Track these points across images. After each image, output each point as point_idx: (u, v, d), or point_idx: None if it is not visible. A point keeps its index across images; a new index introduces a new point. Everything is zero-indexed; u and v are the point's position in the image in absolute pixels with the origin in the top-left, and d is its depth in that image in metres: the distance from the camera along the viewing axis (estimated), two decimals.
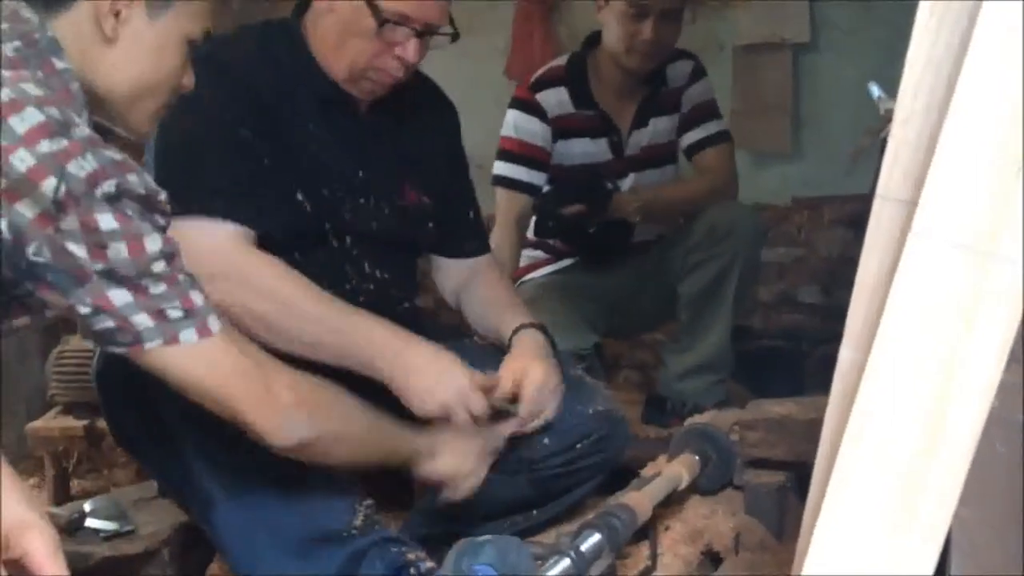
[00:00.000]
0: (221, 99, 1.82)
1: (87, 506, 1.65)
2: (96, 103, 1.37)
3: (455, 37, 1.96)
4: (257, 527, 1.68)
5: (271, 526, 1.68)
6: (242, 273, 1.75)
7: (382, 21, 1.85)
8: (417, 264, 2.21)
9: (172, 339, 1.30)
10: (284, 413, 1.45)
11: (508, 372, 1.94)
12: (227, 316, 1.51)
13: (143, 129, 1.49)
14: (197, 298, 1.34)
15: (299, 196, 1.90)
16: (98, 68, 1.36)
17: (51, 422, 3.08)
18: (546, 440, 2.01)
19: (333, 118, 1.97)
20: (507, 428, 1.92)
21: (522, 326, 2.05)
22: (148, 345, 1.29)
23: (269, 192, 1.84)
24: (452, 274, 2.22)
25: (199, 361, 1.35)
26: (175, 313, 1.30)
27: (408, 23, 1.87)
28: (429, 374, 1.79)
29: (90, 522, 1.62)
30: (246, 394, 1.41)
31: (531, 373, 1.93)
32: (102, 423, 3.01)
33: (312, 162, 1.92)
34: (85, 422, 3.02)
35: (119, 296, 1.25)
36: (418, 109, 2.10)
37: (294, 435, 1.48)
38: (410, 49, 1.89)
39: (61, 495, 3.03)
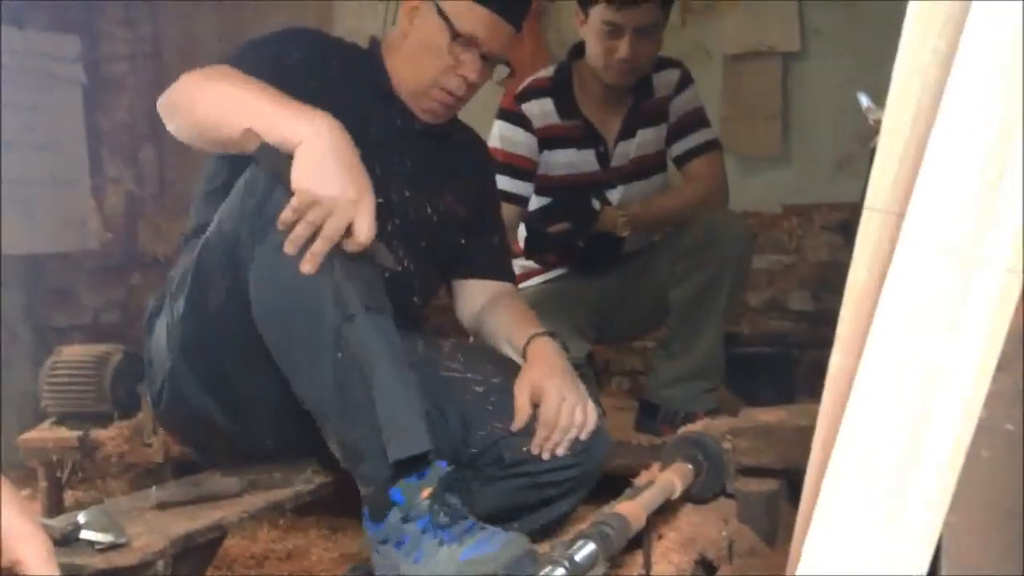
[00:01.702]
0: (289, 41, 2.07)
1: (81, 518, 1.64)
2: None
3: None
4: None
5: None
6: (202, 73, 1.88)
7: (454, 35, 2.06)
8: (440, 275, 2.28)
9: None
10: None
11: (523, 391, 2.01)
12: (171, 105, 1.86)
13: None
14: None
15: None
16: None
17: (44, 433, 3.07)
18: (524, 448, 2.02)
19: (389, 117, 2.15)
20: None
21: (535, 335, 2.10)
22: None
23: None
24: (472, 298, 2.29)
25: None
26: None
27: (475, 44, 2.08)
28: (333, 162, 1.70)
29: (84, 534, 1.61)
30: None
31: (547, 393, 1.99)
32: (95, 433, 3.03)
33: (363, 143, 1.94)
34: (79, 433, 3.02)
35: None
36: (459, 144, 2.29)
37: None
38: (473, 68, 2.09)
39: (54, 506, 3.03)
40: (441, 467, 1.74)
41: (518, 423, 2.00)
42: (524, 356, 2.09)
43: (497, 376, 2.10)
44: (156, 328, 2.03)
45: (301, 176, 1.67)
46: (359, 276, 1.72)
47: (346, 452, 1.77)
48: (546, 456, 2.00)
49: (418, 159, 2.17)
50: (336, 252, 1.68)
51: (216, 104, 1.80)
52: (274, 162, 1.72)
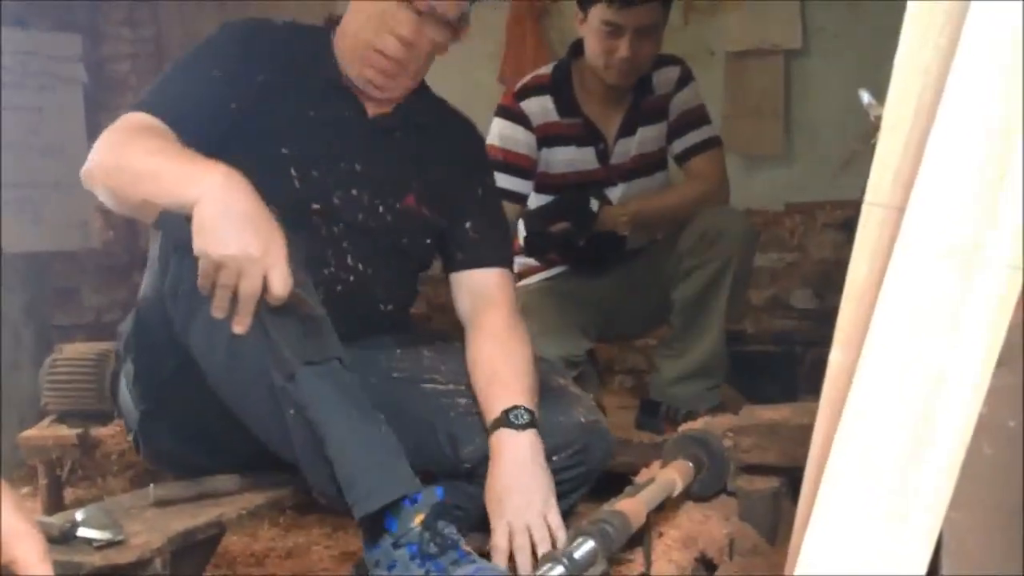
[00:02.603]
0: (226, 42, 1.99)
1: (79, 515, 1.64)
2: None
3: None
4: None
5: None
6: (108, 137, 1.83)
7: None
8: (415, 274, 2.19)
9: None
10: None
11: (497, 526, 1.82)
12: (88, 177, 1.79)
13: None
14: None
15: (292, 172, 1.95)
16: None
17: (44, 431, 3.07)
18: None
19: (337, 109, 2.03)
20: None
21: (496, 423, 1.89)
22: None
23: (213, 117, 1.89)
24: (461, 291, 2.13)
25: None
26: None
27: (408, 1, 1.93)
28: (237, 219, 1.60)
29: (82, 531, 1.61)
30: None
31: (514, 524, 1.81)
32: (95, 431, 3.03)
33: (304, 143, 1.96)
34: (78, 431, 3.02)
35: None
36: (435, 129, 2.13)
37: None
38: (407, 26, 1.94)
39: (54, 504, 3.02)
40: (436, 493, 1.69)
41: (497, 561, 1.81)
42: (489, 444, 1.90)
43: None
44: (123, 372, 2.00)
45: (200, 240, 1.57)
46: (293, 331, 1.65)
47: (325, 496, 1.75)
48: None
49: (371, 155, 2.04)
50: (264, 311, 1.60)
51: (120, 173, 1.74)
52: (176, 229, 1.63)
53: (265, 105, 1.95)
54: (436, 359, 2.09)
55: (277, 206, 1.70)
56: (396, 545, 1.66)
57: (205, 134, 1.84)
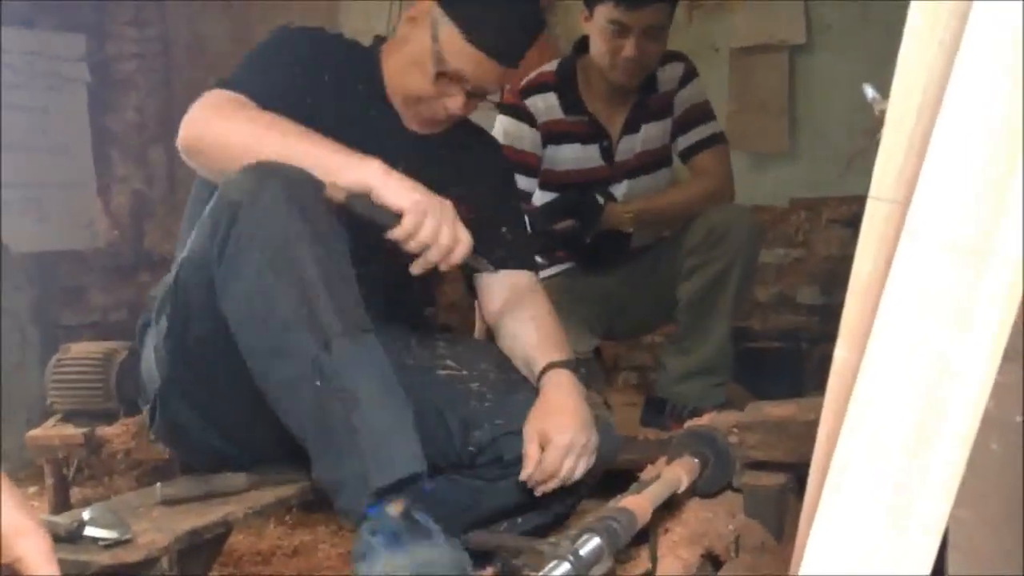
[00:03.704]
0: (290, 46, 2.03)
1: (86, 514, 1.64)
2: None
3: (500, 104, 2.22)
4: None
5: None
6: (208, 101, 1.87)
7: (439, 73, 2.00)
8: (434, 280, 2.25)
9: None
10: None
11: (532, 439, 1.93)
12: (198, 147, 1.84)
13: None
14: None
15: None
16: None
17: (50, 430, 3.08)
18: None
19: (380, 123, 2.10)
20: None
21: (551, 365, 2.03)
22: None
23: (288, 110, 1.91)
24: (491, 294, 2.20)
25: None
26: None
27: (462, 82, 2.02)
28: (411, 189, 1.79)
29: (89, 530, 1.61)
30: None
31: (555, 439, 1.91)
32: (101, 430, 3.03)
33: (362, 146, 1.95)
34: (85, 430, 3.03)
35: None
36: (462, 148, 2.21)
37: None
38: (455, 104, 2.05)
39: (61, 503, 3.03)
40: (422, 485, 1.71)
41: (526, 472, 1.93)
42: (538, 386, 2.03)
43: (494, 372, 2.08)
44: (146, 344, 2.01)
45: (398, 199, 1.75)
46: (336, 298, 1.68)
47: (325, 484, 1.74)
48: (538, 493, 1.96)
49: (411, 165, 2.04)
50: (311, 274, 1.65)
51: (261, 151, 1.77)
52: (365, 202, 1.77)
53: (316, 112, 1.95)
54: (450, 347, 2.14)
55: None
56: (373, 532, 1.66)
57: None
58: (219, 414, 1.94)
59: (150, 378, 1.99)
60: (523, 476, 1.93)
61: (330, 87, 2.03)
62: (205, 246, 1.73)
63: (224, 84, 1.93)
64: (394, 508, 1.64)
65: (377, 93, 2.11)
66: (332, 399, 1.65)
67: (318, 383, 1.65)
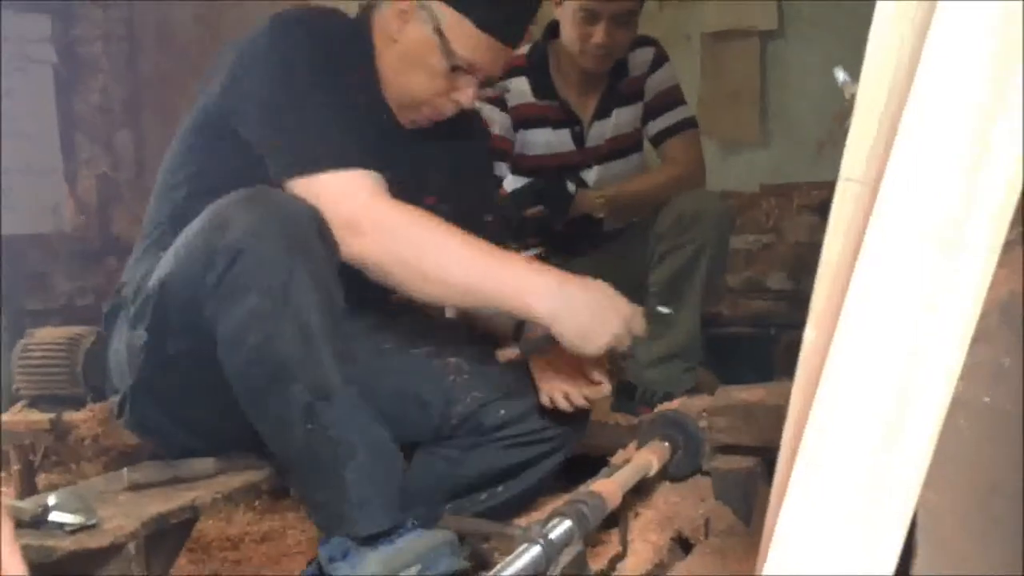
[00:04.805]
0: (312, 62, 1.87)
1: (51, 499, 1.62)
2: None
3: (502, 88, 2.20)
4: None
5: None
6: (386, 222, 1.77)
7: (454, 66, 1.92)
8: None
9: None
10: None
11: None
12: (372, 266, 1.74)
13: None
14: None
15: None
16: None
17: (16, 416, 3.05)
18: (502, 411, 2.04)
19: (370, 111, 2.01)
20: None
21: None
22: None
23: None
24: None
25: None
26: None
27: (474, 72, 1.94)
28: (591, 311, 1.79)
29: (54, 516, 1.60)
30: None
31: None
32: (68, 416, 3.01)
33: (358, 139, 1.95)
34: (51, 415, 3.00)
35: None
36: (449, 127, 2.13)
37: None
38: (467, 96, 1.97)
39: (27, 489, 3.00)
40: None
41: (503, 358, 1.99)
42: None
43: (472, 347, 2.10)
44: (115, 332, 1.98)
45: (580, 346, 1.80)
46: (335, 344, 1.67)
47: (306, 501, 1.75)
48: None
49: (397, 156, 2.06)
50: (314, 322, 1.63)
51: (436, 282, 1.78)
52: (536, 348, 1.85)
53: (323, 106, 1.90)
54: (425, 326, 2.15)
55: None
56: (352, 536, 1.66)
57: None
58: (191, 418, 1.92)
59: (119, 371, 1.96)
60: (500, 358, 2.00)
61: (323, 75, 1.94)
62: (197, 274, 1.67)
63: (313, 154, 1.81)
64: None
65: (370, 88, 2.02)
66: (326, 446, 1.66)
67: (308, 427, 1.65)
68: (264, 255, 1.61)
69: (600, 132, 3.05)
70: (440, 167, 2.14)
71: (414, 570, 1.63)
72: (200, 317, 1.69)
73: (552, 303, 1.75)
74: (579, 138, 3.03)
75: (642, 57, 3.06)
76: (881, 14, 0.91)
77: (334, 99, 1.87)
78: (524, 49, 3.05)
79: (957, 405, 0.88)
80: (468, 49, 1.90)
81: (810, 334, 0.96)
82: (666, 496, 1.80)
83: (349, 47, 1.99)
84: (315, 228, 1.68)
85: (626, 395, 2.96)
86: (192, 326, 1.71)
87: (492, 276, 1.76)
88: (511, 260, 1.80)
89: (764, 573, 0.91)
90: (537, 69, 3.00)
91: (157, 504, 1.75)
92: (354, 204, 1.75)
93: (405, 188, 2.01)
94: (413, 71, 1.95)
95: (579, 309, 1.76)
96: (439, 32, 1.89)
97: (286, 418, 1.66)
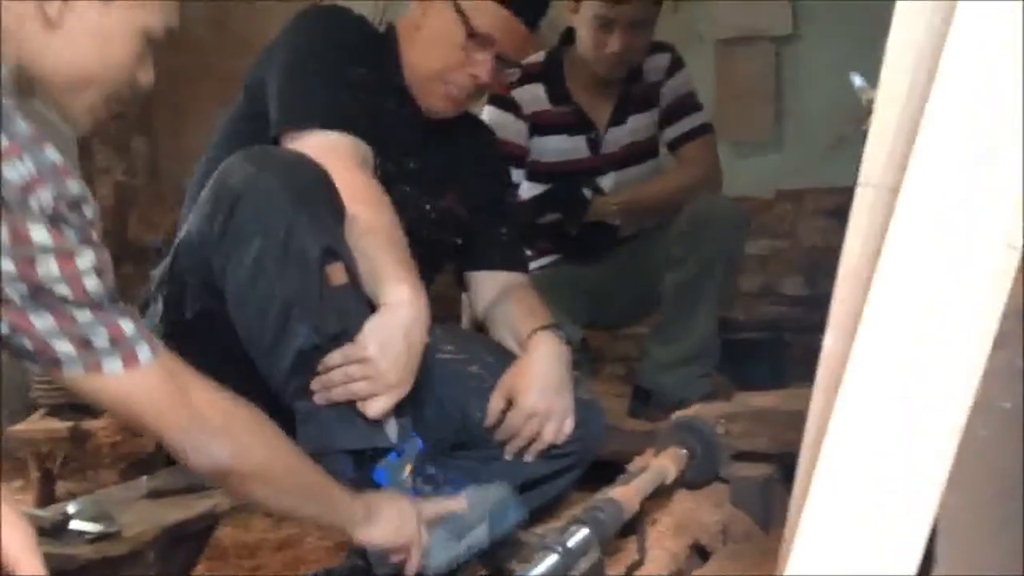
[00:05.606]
0: (334, 37, 2.01)
1: (71, 508, 1.63)
2: (32, 89, 1.30)
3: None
4: None
5: None
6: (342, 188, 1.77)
7: (470, 33, 1.99)
8: (431, 272, 2.22)
9: (94, 367, 1.24)
10: (205, 436, 1.37)
11: (499, 392, 1.99)
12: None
13: (81, 122, 1.39)
14: (127, 326, 1.27)
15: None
16: (37, 52, 1.28)
17: (35, 424, 3.06)
18: None
19: (396, 106, 2.09)
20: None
21: (535, 330, 2.06)
22: (68, 371, 1.24)
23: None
24: (483, 290, 2.24)
25: (122, 391, 1.29)
26: (101, 343, 1.24)
27: (490, 44, 2.01)
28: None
29: (74, 524, 1.60)
30: (170, 423, 1.35)
31: (520, 399, 1.96)
32: (87, 424, 3.02)
33: (383, 134, 2.00)
34: (69, 424, 3.01)
35: (41, 320, 1.19)
36: (466, 137, 2.23)
37: (209, 460, 1.39)
38: (485, 68, 2.03)
39: (46, 497, 3.01)
40: (416, 444, 1.74)
41: (487, 423, 2.00)
42: (523, 350, 2.06)
43: (491, 356, 2.10)
44: (147, 315, 2.00)
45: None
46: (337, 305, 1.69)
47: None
48: (507, 457, 2.00)
49: (424, 155, 2.13)
50: (314, 261, 1.66)
51: None
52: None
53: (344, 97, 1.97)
54: (445, 333, 2.14)
55: None
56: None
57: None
58: None
59: None
60: (486, 424, 1.98)
61: (353, 74, 2.02)
62: (203, 229, 1.72)
63: (312, 121, 1.89)
64: (404, 472, 1.70)
65: (395, 81, 2.10)
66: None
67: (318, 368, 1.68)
68: (262, 199, 1.64)
69: (616, 139, 3.05)
70: (459, 170, 2.18)
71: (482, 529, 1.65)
72: (210, 274, 1.72)
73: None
74: (595, 144, 3.03)
75: (658, 63, 3.05)
76: (900, 15, 0.91)
77: (346, 73, 1.97)
78: (540, 55, 3.05)
79: (975, 410, 0.87)
80: (484, 20, 1.99)
81: (830, 340, 0.96)
82: (683, 503, 1.80)
83: (375, 39, 2.12)
84: (314, 177, 1.70)
85: (643, 400, 2.96)
86: (204, 285, 1.75)
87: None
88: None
89: (785, 575, 0.91)
90: (552, 75, 3.00)
91: (176, 511, 1.76)
92: (323, 163, 1.77)
93: (430, 184, 2.11)
94: (433, 46, 2.05)
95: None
96: (457, 8, 1.99)
97: (297, 367, 1.68)
